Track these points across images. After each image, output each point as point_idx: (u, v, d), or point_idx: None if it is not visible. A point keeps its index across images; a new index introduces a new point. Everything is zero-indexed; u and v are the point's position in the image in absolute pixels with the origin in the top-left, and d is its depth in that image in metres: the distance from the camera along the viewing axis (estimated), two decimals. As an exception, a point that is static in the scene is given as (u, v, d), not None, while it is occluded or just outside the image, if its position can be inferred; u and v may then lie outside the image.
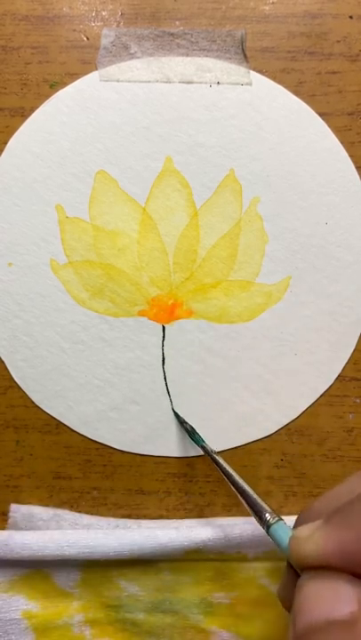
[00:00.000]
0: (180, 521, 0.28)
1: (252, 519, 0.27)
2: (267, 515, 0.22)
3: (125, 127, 0.29)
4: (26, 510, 0.28)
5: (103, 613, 0.27)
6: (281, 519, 0.21)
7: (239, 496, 0.23)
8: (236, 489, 0.24)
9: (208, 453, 0.26)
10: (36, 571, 0.27)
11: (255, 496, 0.23)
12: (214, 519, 0.28)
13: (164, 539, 0.26)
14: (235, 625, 0.27)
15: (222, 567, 0.27)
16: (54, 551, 0.25)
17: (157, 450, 0.29)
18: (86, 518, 0.28)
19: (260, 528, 0.25)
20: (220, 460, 0.25)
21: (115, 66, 0.29)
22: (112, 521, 0.28)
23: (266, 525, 0.21)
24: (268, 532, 0.21)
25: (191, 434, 0.28)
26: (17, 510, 0.28)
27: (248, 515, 0.28)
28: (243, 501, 0.23)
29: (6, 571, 0.26)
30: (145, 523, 0.28)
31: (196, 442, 0.27)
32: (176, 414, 0.28)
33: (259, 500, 0.22)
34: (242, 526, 0.26)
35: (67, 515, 0.28)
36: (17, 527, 0.28)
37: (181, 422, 0.28)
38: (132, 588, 0.27)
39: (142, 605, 0.27)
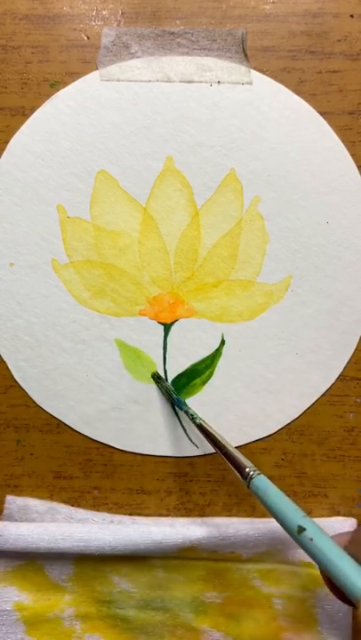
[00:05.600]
0: (175, 518, 0.28)
1: (248, 519, 0.27)
2: (247, 469, 0.23)
3: (126, 127, 0.29)
4: (21, 502, 0.28)
5: (94, 608, 0.27)
6: (261, 474, 0.22)
7: (222, 456, 0.24)
8: (220, 449, 0.25)
9: (192, 418, 0.27)
10: (30, 563, 0.27)
11: (237, 454, 0.24)
12: (210, 518, 0.28)
13: (159, 535, 0.26)
14: (225, 625, 0.27)
15: (215, 567, 0.27)
16: (49, 543, 0.26)
17: (158, 449, 0.29)
18: (81, 512, 0.28)
19: (256, 527, 0.25)
20: (204, 424, 0.26)
21: (115, 65, 0.29)
22: (107, 516, 0.28)
23: (247, 480, 0.22)
24: (248, 486, 0.22)
25: (175, 400, 0.28)
26: (12, 502, 0.28)
27: (247, 515, 0.28)
28: (226, 460, 0.24)
29: None
30: (140, 519, 0.28)
31: (180, 407, 0.28)
32: (156, 378, 0.28)
33: (241, 457, 0.24)
34: (237, 526, 0.26)
35: (62, 508, 0.28)
36: (12, 519, 0.28)
37: (163, 386, 0.28)
38: (124, 584, 0.27)
39: (134, 602, 0.27)
